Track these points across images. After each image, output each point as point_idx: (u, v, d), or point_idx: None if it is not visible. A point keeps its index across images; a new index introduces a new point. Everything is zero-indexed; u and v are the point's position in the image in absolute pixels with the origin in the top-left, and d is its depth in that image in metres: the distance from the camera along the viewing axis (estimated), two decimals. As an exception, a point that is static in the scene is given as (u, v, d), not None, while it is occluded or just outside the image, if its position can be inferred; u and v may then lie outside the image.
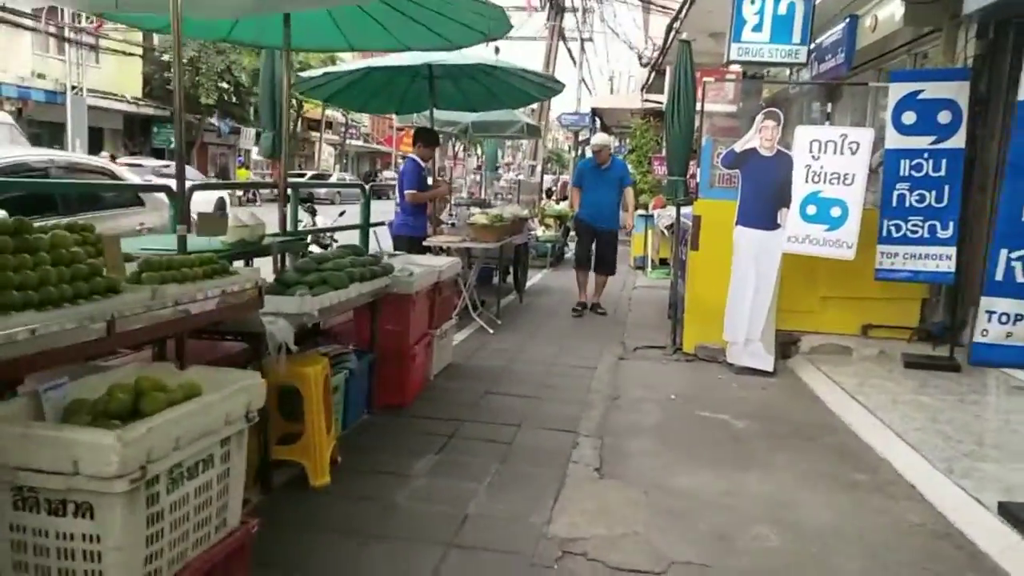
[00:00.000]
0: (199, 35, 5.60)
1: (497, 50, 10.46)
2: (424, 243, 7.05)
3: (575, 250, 8.93)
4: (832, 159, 5.94)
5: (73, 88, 27.17)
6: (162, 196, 7.54)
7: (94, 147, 29.75)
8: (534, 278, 11.47)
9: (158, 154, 31.51)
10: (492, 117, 10.26)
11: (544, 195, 17.93)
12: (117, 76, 29.96)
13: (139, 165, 23.90)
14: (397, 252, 6.76)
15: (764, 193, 6.21)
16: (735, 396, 5.61)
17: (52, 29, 27.15)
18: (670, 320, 8.14)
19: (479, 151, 18.17)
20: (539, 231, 12.80)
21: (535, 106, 16.39)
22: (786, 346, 6.64)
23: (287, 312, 3.45)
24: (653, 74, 13.68)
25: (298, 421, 3.65)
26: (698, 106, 6.78)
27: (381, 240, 7.94)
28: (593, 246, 8.55)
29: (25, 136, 18.72)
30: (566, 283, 11.12)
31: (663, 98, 16.19)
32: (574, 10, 21.56)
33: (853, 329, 6.71)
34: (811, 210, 6.02)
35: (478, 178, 12.20)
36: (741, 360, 6.28)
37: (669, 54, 11.99)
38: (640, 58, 14.27)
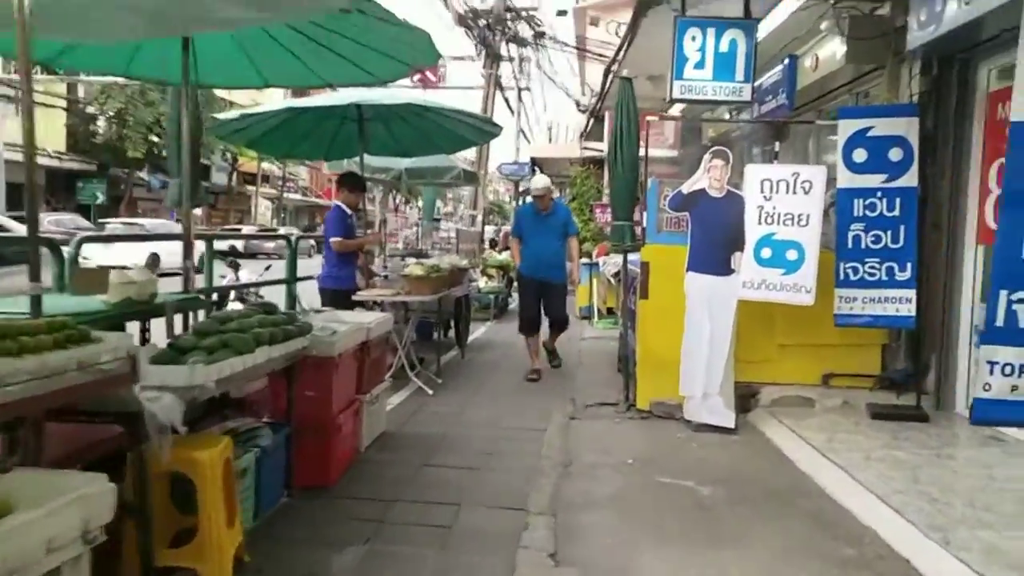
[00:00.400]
0: (93, 66, 5.03)
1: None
2: (353, 297, 6.48)
3: (519, 310, 7.99)
4: (785, 199, 5.64)
5: (-11, 144, 25.91)
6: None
7: (14, 204, 28.41)
8: (477, 332, 10.94)
9: (84, 210, 30.22)
10: (427, 163, 9.79)
11: (487, 245, 17.56)
12: (39, 130, 28.75)
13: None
14: (323, 308, 6.18)
15: (715, 236, 5.86)
16: (697, 457, 5.14)
17: (-32, 82, 25.98)
18: (620, 374, 7.69)
19: (418, 202, 17.78)
20: (481, 282, 12.34)
21: (473, 153, 16.07)
22: (745, 399, 6.23)
23: (175, 385, 2.85)
24: (592, 120, 13.52)
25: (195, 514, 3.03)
26: (642, 147, 6.45)
27: (306, 296, 7.35)
28: (539, 303, 7.77)
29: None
30: (511, 335, 10.62)
31: (603, 145, 16.08)
32: (510, 59, 21.52)
33: (814, 378, 6.35)
34: (766, 253, 5.68)
35: (417, 230, 11.70)
36: (700, 416, 5.84)
37: (608, 98, 11.81)
38: (578, 105, 14.12)
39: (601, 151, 15.77)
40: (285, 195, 48.10)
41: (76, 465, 2.76)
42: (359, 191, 6.78)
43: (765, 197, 5.67)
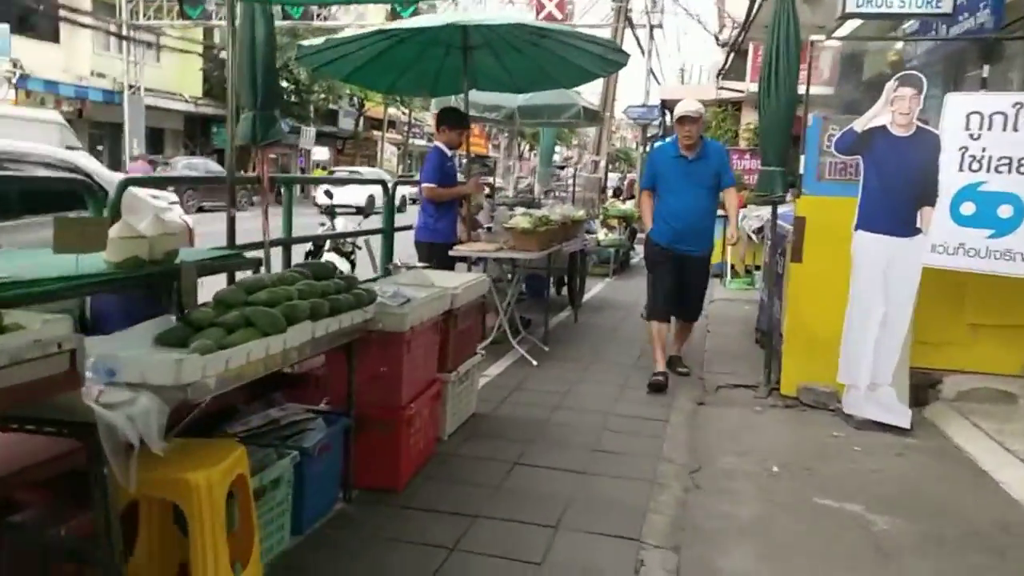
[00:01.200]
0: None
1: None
2: (450, 252, 5.65)
3: (650, 290, 5.81)
4: (1000, 138, 4.31)
5: (131, 88, 26.88)
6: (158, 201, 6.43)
7: (155, 147, 29.58)
8: (594, 289, 9.97)
9: (219, 154, 31.17)
10: (543, 100, 8.74)
11: (611, 194, 16.41)
12: (177, 75, 29.65)
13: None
14: (415, 265, 5.40)
15: (897, 186, 4.60)
16: (863, 468, 4.03)
17: (112, 28, 26.92)
18: (759, 347, 6.57)
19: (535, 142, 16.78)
20: (601, 234, 11.30)
21: (597, 91, 14.75)
22: (921, 389, 5.00)
23: (156, 383, 2.09)
24: (731, 56, 12.03)
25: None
26: (802, 76, 5.21)
27: (382, 252, 6.58)
28: (676, 284, 5.60)
29: (76, 137, 18.24)
30: (631, 295, 9.60)
31: (743, 85, 14.48)
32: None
33: (1015, 368, 5.02)
34: (968, 209, 4.39)
35: (532, 177, 10.73)
36: (863, 411, 4.69)
37: (753, 28, 10.33)
38: (717, 39, 12.60)
39: (741, 91, 14.22)
40: (411, 141, 48.17)
41: (23, 484, 2.07)
42: (461, 129, 5.89)
43: (971, 136, 4.35)
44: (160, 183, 7.54)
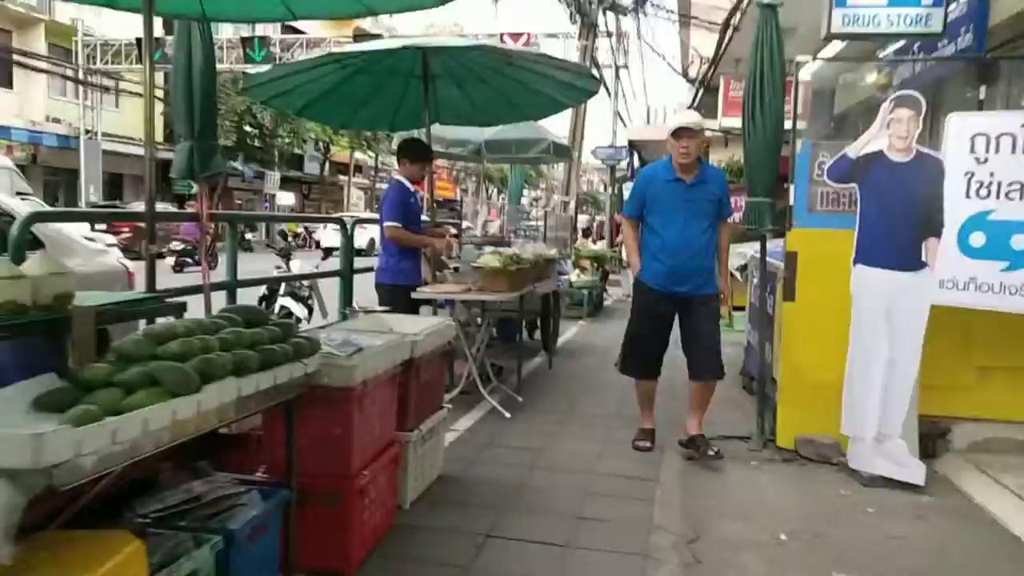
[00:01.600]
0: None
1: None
2: (413, 294, 5.16)
3: (629, 339, 4.85)
4: (1009, 162, 3.96)
5: (87, 132, 26.23)
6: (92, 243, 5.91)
7: (113, 193, 28.84)
8: (568, 332, 9.51)
9: (179, 199, 30.53)
10: (511, 134, 8.34)
11: (582, 234, 16.09)
12: (137, 120, 29.02)
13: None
14: (374, 309, 4.90)
15: (898, 216, 4.24)
16: (882, 534, 3.57)
17: (68, 72, 26.36)
18: (747, 393, 6.15)
19: (503, 187, 16.49)
20: (573, 275, 10.89)
21: (565, 128, 14.42)
22: (928, 439, 4.57)
23: (5, 465, 1.56)
24: (701, 92, 11.85)
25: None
26: (789, 100, 4.89)
27: (340, 295, 6.09)
28: (666, 333, 4.70)
29: (26, 181, 17.51)
30: (607, 338, 9.15)
31: (712, 122, 14.35)
32: (608, 33, 19.88)
33: (1028, 413, 4.63)
34: (977, 240, 4.02)
35: (501, 216, 10.31)
36: (871, 465, 4.25)
37: (722, 64, 10.15)
38: (685, 75, 12.42)
39: (711, 129, 14.05)
40: (377, 185, 47.82)
41: None
42: (423, 162, 5.44)
43: (978, 160, 4.00)
44: (72, 218, 6.95)
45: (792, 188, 4.72)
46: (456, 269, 5.67)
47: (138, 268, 4.56)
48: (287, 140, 35.56)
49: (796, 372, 4.71)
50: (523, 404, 5.66)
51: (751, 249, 6.21)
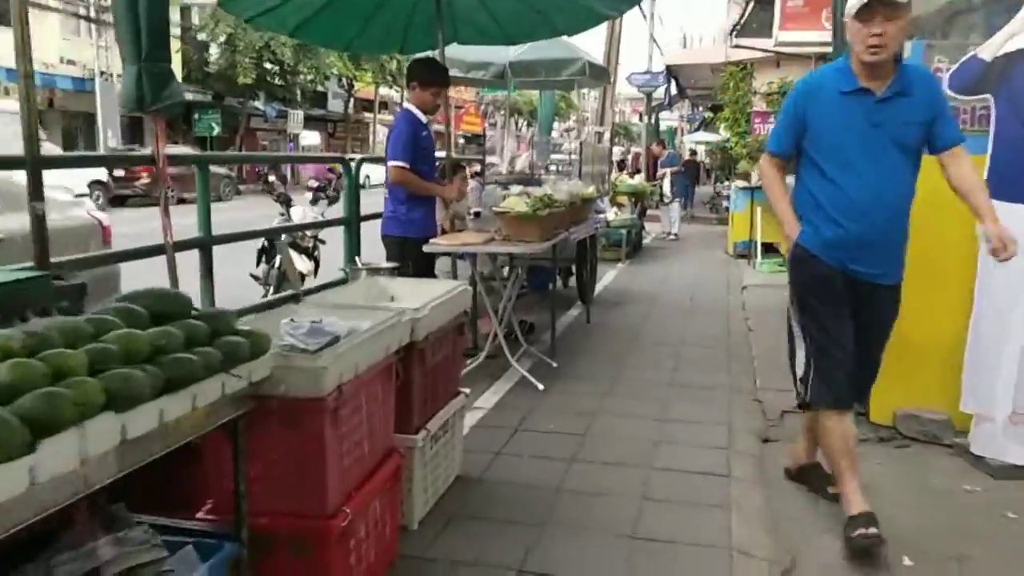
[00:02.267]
0: None
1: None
2: (425, 247, 4.31)
3: (811, 340, 2.99)
4: None
5: (102, 74, 25.42)
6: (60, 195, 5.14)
7: (134, 138, 28.18)
8: (606, 278, 8.63)
9: (201, 143, 29.82)
10: (539, 54, 7.26)
11: (617, 168, 15.02)
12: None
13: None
14: (379, 267, 4.07)
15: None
16: (1036, 554, 2.72)
17: (81, 10, 25.43)
18: None
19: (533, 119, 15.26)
20: (610, 213, 9.94)
21: (597, 50, 13.06)
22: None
23: None
24: (752, 5, 10.61)
25: None
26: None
27: (346, 247, 5.28)
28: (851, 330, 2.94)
29: (42, 128, 16.83)
30: (649, 283, 8.28)
31: (763, 41, 13.04)
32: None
33: None
34: None
35: (530, 149, 9.28)
36: (1004, 452, 3.38)
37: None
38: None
39: (764, 51, 12.76)
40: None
41: None
42: (436, 86, 4.51)
43: None
44: (68, 162, 6.18)
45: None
46: (477, 215, 4.79)
47: (143, 217, 3.78)
48: (309, 77, 34.43)
49: (896, 335, 3.80)
50: (558, 371, 4.85)
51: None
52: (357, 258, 4.68)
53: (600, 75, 7.33)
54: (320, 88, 37.25)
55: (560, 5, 5.38)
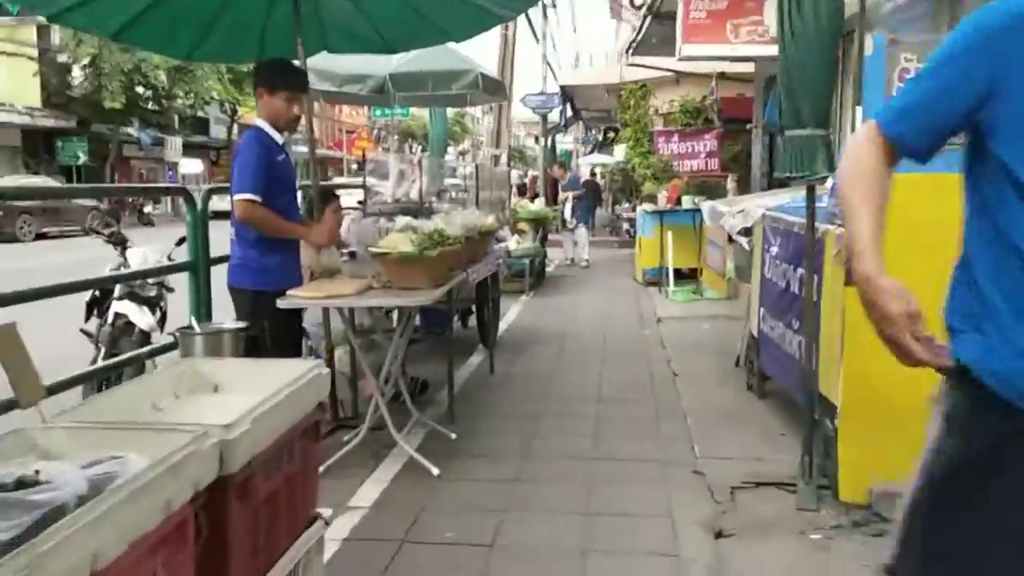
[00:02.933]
0: None
1: None
2: (280, 302, 3.34)
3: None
4: None
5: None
6: None
7: (-5, 166, 25.56)
8: (509, 314, 7.82)
9: (66, 172, 27.51)
10: (425, 64, 6.28)
11: (516, 192, 14.30)
12: (8, 84, 25.73)
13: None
14: (219, 328, 3.10)
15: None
16: None
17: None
18: (753, 394, 4.64)
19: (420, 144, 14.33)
20: (511, 242, 9.17)
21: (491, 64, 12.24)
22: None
23: None
24: (648, 20, 10.15)
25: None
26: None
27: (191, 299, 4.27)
28: None
29: None
30: (557, 318, 7.52)
31: (662, 60, 12.68)
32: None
33: None
34: None
35: (419, 175, 8.33)
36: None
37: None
38: (631, 1, 10.73)
39: (663, 69, 12.39)
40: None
41: None
42: (290, 90, 3.56)
43: None
44: None
45: (858, 111, 3.08)
46: (352, 255, 3.87)
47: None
48: (188, 102, 32.50)
49: (869, 389, 3.14)
50: (458, 444, 3.95)
51: (762, 202, 4.59)
52: (193, 318, 3.65)
53: (495, 89, 6.53)
54: (201, 114, 35.31)
55: (448, 6, 4.56)
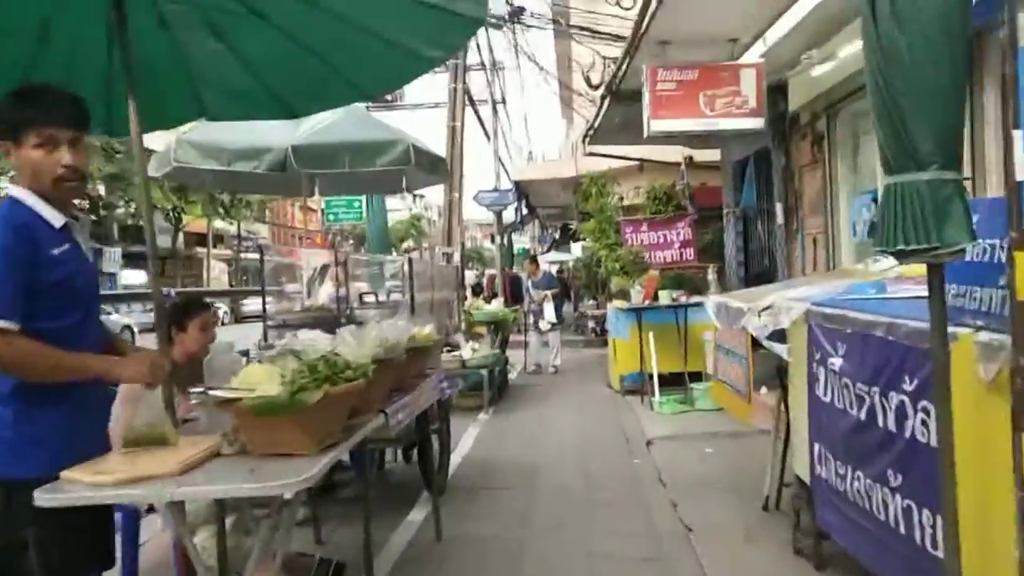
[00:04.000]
0: None
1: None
2: (39, 498, 1.89)
3: None
4: None
5: None
6: None
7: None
8: (463, 442, 6.35)
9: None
10: (338, 134, 4.62)
11: (470, 293, 13.02)
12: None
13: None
14: None
15: None
16: None
17: None
18: (803, 558, 3.26)
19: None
20: (466, 350, 7.80)
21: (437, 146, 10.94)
22: None
23: None
24: (608, 102, 9.23)
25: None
26: None
27: None
28: None
29: None
30: (521, 448, 6.10)
31: (619, 149, 11.76)
32: (482, 65, 17.28)
33: None
34: None
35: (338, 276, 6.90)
36: None
37: (641, 52, 7.48)
38: (588, 81, 9.85)
39: (621, 157, 11.48)
40: (243, 255, 43.29)
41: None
42: (51, 125, 2.05)
43: None
44: None
45: (1016, 136, 1.85)
46: (204, 393, 2.44)
47: None
48: (131, 211, 31.25)
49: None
50: None
51: (796, 294, 3.30)
52: None
53: (434, 167, 5.22)
54: (142, 222, 33.99)
55: (362, 49, 3.32)
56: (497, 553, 3.78)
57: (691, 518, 4.10)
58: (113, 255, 31.68)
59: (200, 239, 39.20)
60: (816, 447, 3.13)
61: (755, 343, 4.33)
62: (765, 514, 4.02)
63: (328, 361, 2.28)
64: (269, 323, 4.32)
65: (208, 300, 3.72)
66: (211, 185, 5.71)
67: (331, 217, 16.26)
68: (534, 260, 12.26)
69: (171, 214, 35.32)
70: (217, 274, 41.47)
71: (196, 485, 1.89)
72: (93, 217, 29.03)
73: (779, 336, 3.47)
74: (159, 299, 2.91)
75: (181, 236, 37.37)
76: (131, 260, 34.07)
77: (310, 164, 4.80)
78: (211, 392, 2.18)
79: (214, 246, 40.17)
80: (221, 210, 35.92)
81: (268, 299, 5.19)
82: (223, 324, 24.36)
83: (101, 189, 28.01)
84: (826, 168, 7.43)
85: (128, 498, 1.85)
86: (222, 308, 27.88)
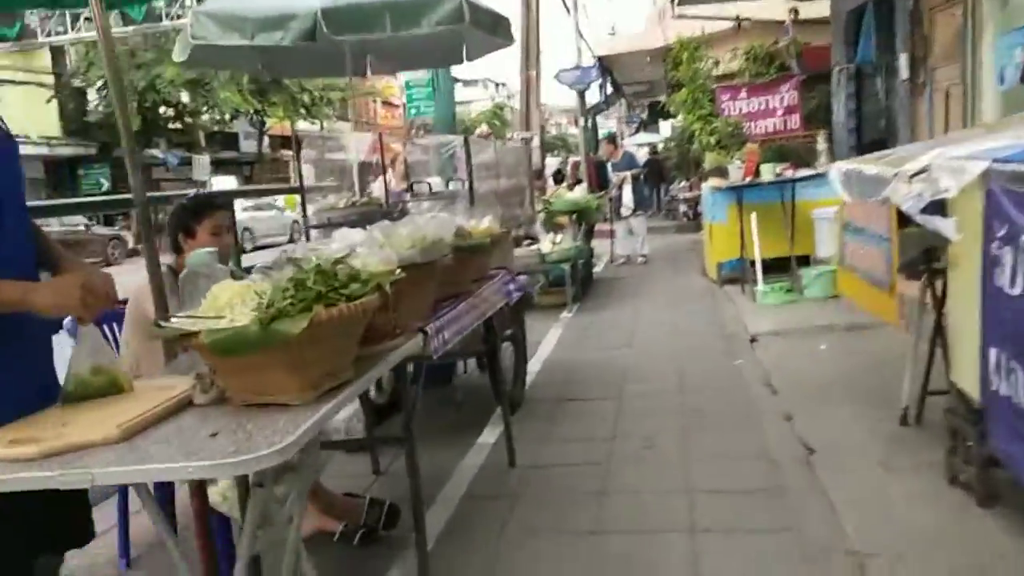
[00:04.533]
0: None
1: None
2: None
3: None
4: None
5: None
6: None
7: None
8: (544, 345, 5.80)
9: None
10: None
11: (552, 180, 12.22)
12: (25, 114, 24.70)
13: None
14: None
15: None
16: None
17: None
18: (958, 488, 2.52)
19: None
20: (545, 243, 7.15)
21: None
22: None
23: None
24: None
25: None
26: None
27: None
28: None
29: None
30: (607, 350, 5.49)
31: (721, 8, 10.46)
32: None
33: None
34: None
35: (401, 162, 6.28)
36: None
37: None
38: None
39: (720, 17, 10.24)
40: (327, 155, 43.35)
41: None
42: None
43: None
44: None
45: None
46: (185, 350, 1.90)
47: None
48: (216, 118, 31.36)
49: None
50: None
51: (961, 151, 2.46)
52: None
53: (496, 27, 4.35)
54: (229, 129, 34.20)
55: None
56: (575, 483, 3.23)
57: (811, 435, 3.43)
58: (202, 162, 32.04)
59: (285, 142, 39.27)
60: (993, 353, 2.37)
61: (900, 219, 3.49)
62: (903, 430, 3.31)
63: (324, 272, 1.67)
64: (312, 224, 3.78)
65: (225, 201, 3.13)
66: (241, 67, 5.10)
67: (412, 111, 15.58)
68: (612, 140, 11.31)
69: (253, 118, 35.31)
70: (305, 176, 41.72)
71: (125, 465, 1.34)
72: (178, 125, 29.28)
73: (934, 209, 2.64)
74: (142, 202, 2.35)
75: (266, 140, 37.48)
76: (221, 166, 34.52)
77: (344, 30, 4.05)
78: (166, 324, 1.61)
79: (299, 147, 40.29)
80: (303, 111, 35.65)
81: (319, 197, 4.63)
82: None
83: (184, 96, 27.96)
84: (966, 4, 6.19)
85: (36, 483, 1.32)
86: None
